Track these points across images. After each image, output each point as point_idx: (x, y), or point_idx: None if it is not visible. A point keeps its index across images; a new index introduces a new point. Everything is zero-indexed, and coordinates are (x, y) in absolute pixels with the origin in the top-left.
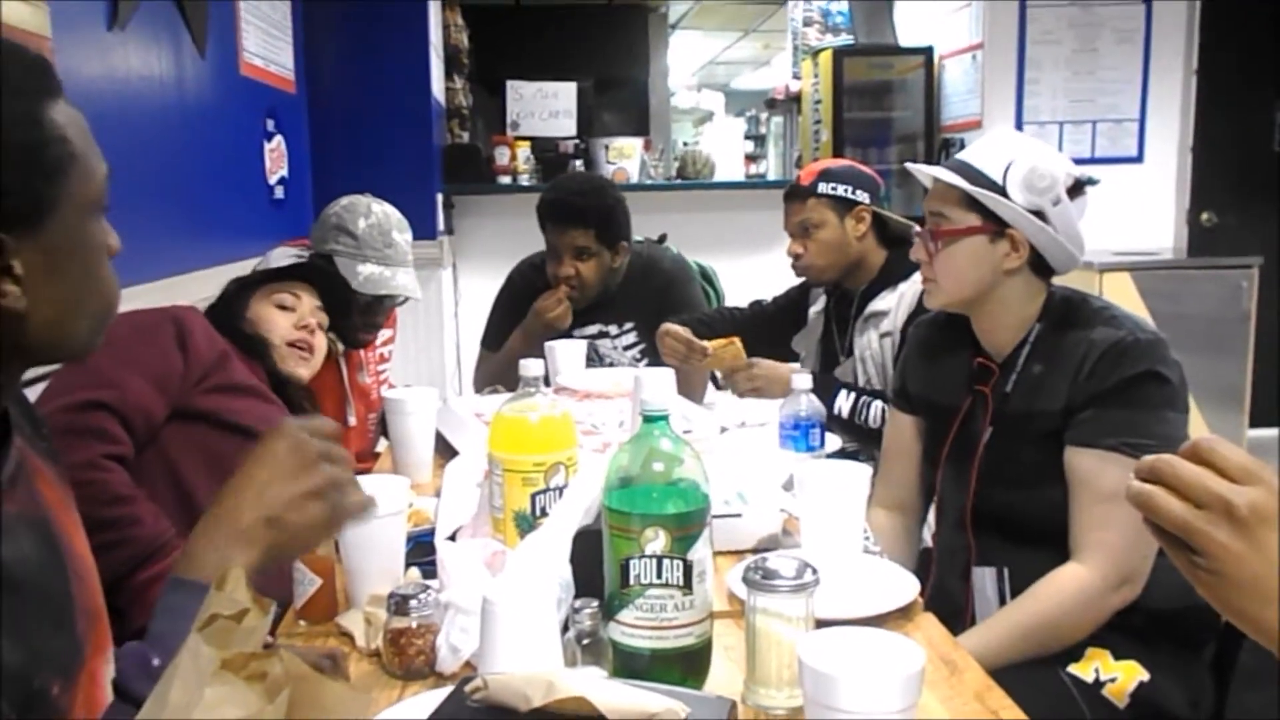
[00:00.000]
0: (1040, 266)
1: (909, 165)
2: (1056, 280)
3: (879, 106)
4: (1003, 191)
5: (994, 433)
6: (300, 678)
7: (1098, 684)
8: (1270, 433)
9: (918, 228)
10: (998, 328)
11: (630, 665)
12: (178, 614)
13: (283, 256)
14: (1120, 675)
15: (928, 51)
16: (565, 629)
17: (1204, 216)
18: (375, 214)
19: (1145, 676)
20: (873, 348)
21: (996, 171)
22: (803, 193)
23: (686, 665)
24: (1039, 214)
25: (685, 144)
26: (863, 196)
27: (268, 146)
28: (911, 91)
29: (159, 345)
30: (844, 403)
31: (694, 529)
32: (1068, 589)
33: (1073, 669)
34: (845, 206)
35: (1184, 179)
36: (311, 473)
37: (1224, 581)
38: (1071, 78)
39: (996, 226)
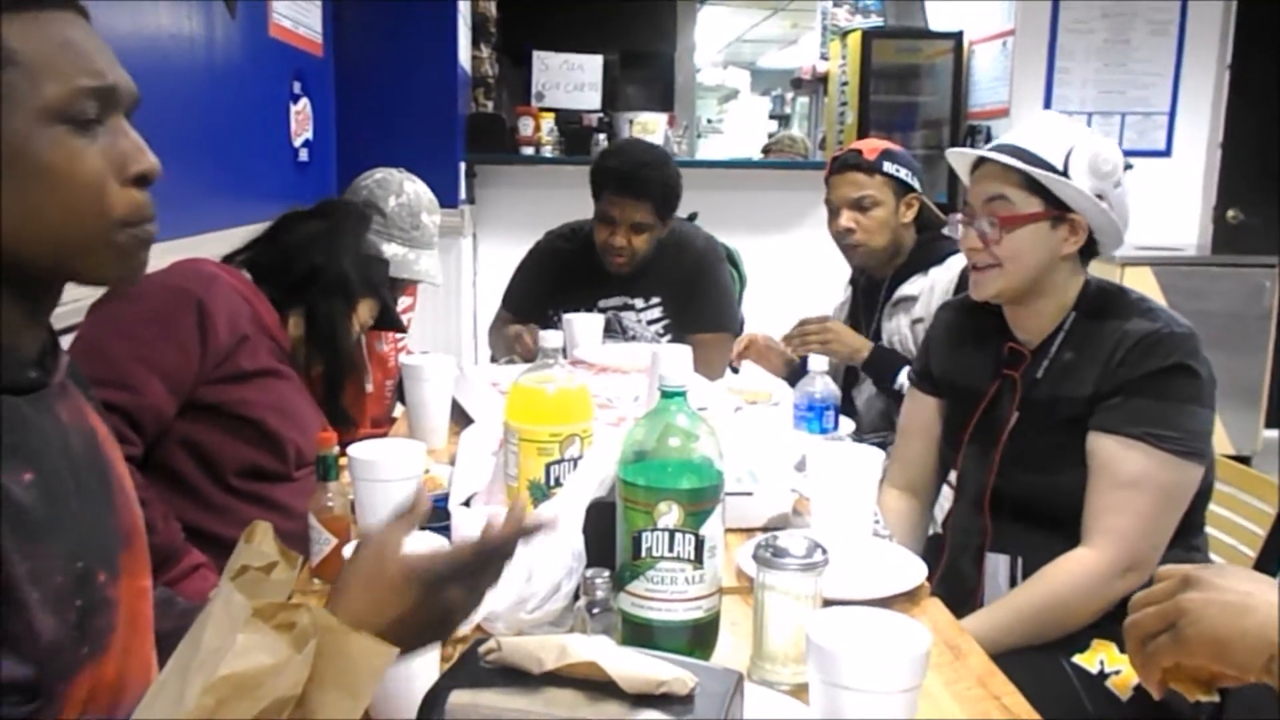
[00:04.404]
0: (1084, 252)
1: (955, 150)
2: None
3: (906, 90)
4: (1065, 176)
5: (1020, 418)
6: (327, 629)
7: (1102, 675)
8: None
9: (960, 214)
10: (1036, 314)
11: (639, 636)
12: None
13: None
14: (1124, 668)
15: (958, 36)
16: (576, 597)
17: (1230, 214)
18: (407, 193)
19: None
20: (901, 332)
21: (1057, 157)
22: (866, 167)
23: (694, 638)
24: (1100, 197)
25: (771, 132)
26: (917, 184)
27: (294, 109)
28: (940, 76)
29: (179, 340)
30: (905, 379)
31: (707, 504)
32: (1073, 572)
33: (1077, 659)
34: (902, 190)
35: (1211, 175)
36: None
37: (1206, 622)
38: (1102, 69)
39: (1058, 211)
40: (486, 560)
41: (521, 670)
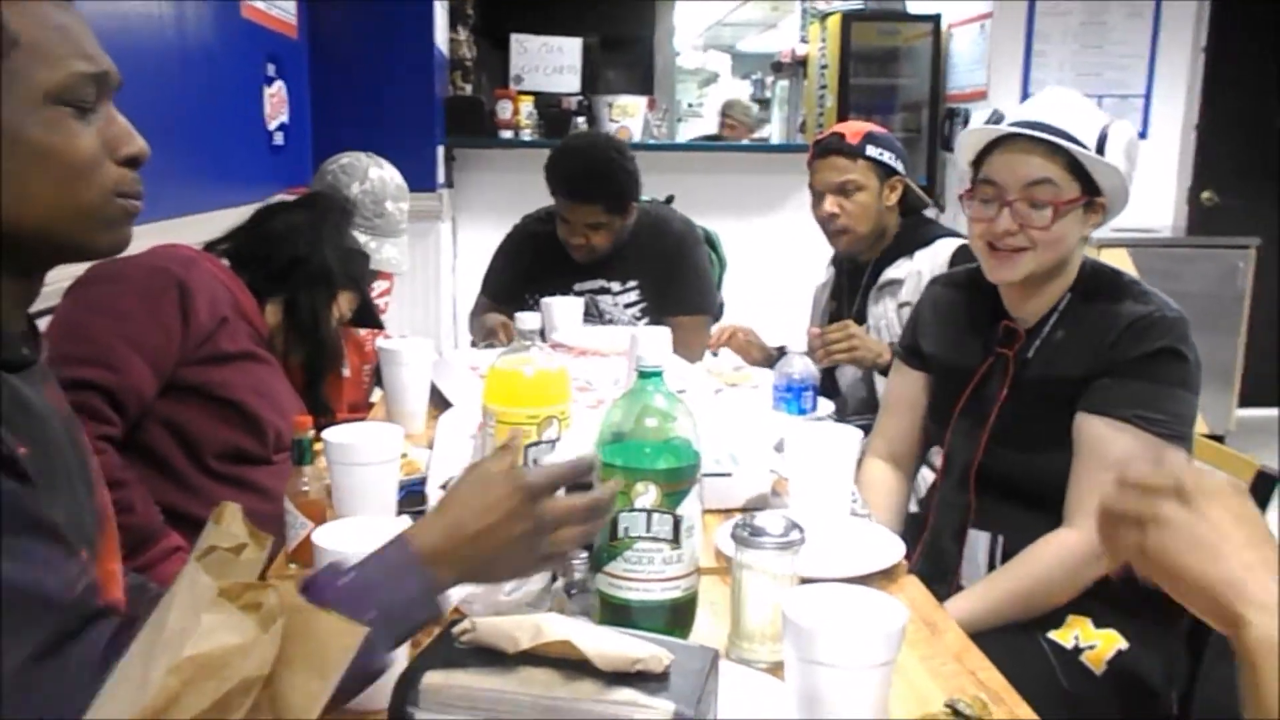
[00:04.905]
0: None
1: (984, 127)
2: None
3: (885, 73)
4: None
5: (1011, 396)
6: (294, 608)
7: (1076, 650)
8: (1259, 413)
9: (972, 192)
10: (1035, 295)
11: (617, 616)
12: (381, 562)
13: None
14: (1099, 643)
15: (936, 19)
16: (554, 579)
17: (1204, 195)
18: (371, 180)
19: (1124, 645)
20: (888, 317)
21: (1091, 138)
22: (849, 151)
23: (672, 618)
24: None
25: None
26: (900, 166)
27: (268, 91)
28: (918, 59)
29: (161, 320)
30: None
31: (684, 485)
32: (1057, 554)
33: (1052, 635)
34: (886, 173)
35: (1187, 157)
36: (534, 547)
37: (1172, 545)
38: (1079, 51)
39: (1090, 196)
40: (578, 479)
41: (496, 650)
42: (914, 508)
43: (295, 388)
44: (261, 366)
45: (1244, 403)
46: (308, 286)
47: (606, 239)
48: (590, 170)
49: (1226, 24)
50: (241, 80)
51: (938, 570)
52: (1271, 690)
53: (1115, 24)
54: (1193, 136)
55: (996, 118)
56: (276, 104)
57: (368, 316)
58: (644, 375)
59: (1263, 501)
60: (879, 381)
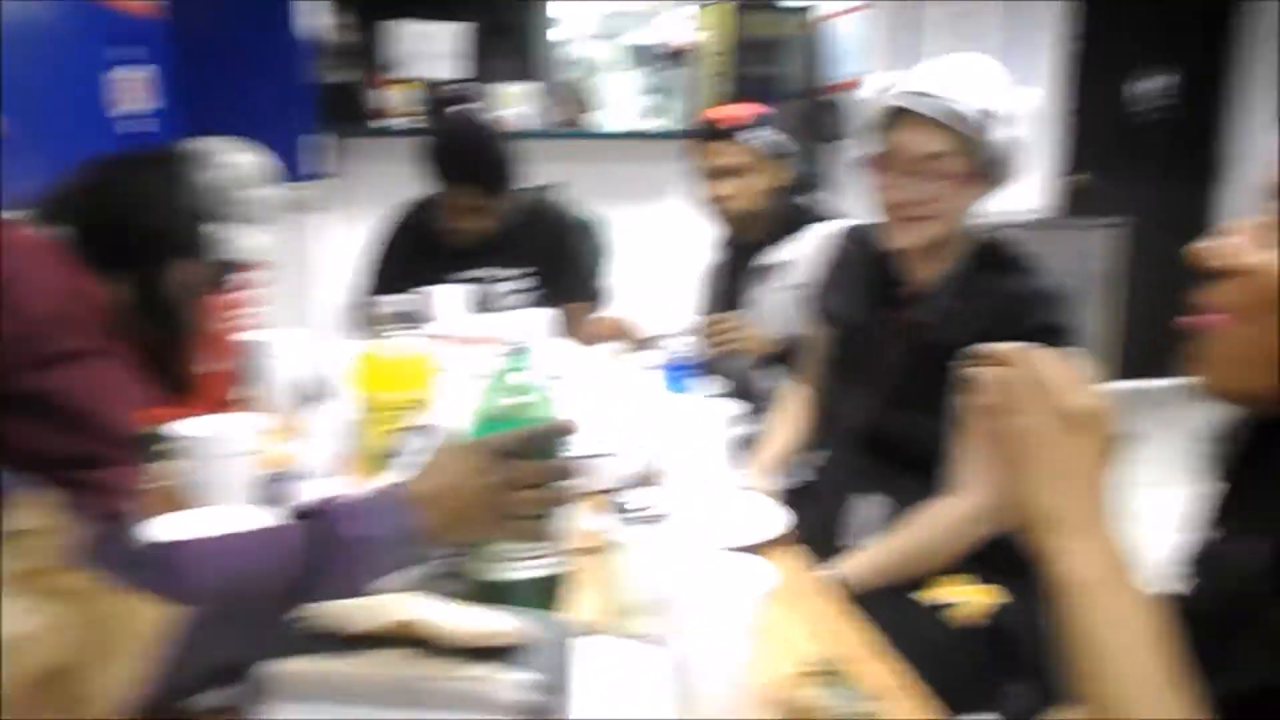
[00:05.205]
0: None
1: (882, 99)
2: None
3: (769, 62)
4: (994, 131)
5: (902, 360)
6: (94, 593)
7: (944, 606)
8: (1137, 384)
9: (869, 160)
10: (930, 261)
11: (487, 595)
12: (378, 495)
13: None
14: (972, 599)
15: (812, 10)
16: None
17: (1073, 178)
18: (232, 166)
19: (994, 601)
20: (772, 300)
21: (985, 107)
22: (730, 135)
23: (542, 594)
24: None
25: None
26: (784, 150)
27: (115, 76)
28: (798, 49)
29: None
30: None
31: None
32: (947, 517)
33: (926, 593)
34: (770, 156)
35: (1057, 141)
36: (500, 503)
37: (1021, 459)
38: (953, 41)
39: (984, 167)
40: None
41: (350, 634)
42: (810, 475)
43: (148, 369)
44: (106, 360)
45: (1123, 375)
46: (158, 258)
47: (487, 222)
48: (468, 152)
49: (1095, 14)
50: (75, 65)
51: (827, 534)
52: (1068, 625)
53: (988, 13)
54: (1063, 121)
55: (893, 89)
56: (128, 90)
57: (221, 282)
58: (507, 355)
59: None
60: (765, 373)
